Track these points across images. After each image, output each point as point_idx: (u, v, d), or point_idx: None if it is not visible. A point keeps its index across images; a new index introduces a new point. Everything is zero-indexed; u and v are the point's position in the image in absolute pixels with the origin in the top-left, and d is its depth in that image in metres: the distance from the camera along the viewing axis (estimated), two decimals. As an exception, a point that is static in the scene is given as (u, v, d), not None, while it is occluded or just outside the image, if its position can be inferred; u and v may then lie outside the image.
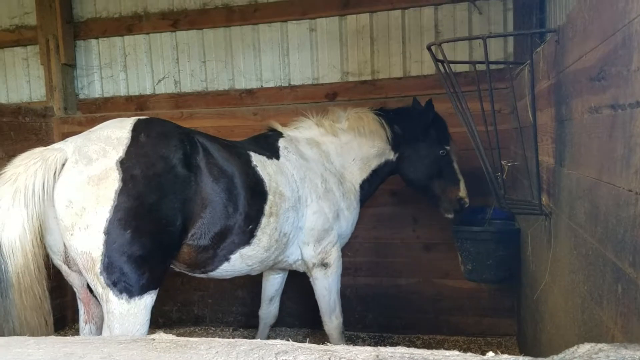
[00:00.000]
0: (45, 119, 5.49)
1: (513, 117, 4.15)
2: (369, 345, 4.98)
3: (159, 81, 5.89)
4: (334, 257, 3.87)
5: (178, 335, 4.54)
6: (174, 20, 5.68)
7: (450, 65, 2.65)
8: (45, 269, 2.81)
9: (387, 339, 5.05)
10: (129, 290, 2.77)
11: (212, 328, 5.45)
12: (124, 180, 2.72)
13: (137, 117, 3.09)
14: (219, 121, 5.30)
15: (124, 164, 2.76)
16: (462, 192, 4.14)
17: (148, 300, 2.86)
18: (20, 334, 2.65)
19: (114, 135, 2.88)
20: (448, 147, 4.10)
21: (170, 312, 5.51)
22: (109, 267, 2.71)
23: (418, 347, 4.88)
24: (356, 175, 4.06)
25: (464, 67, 4.81)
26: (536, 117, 2.60)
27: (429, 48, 2.54)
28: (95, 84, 6.04)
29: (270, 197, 3.38)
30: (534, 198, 2.83)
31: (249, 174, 3.32)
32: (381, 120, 4.10)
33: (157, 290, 2.93)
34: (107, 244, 2.69)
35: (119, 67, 5.97)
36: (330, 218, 3.78)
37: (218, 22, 5.58)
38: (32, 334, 2.69)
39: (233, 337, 5.03)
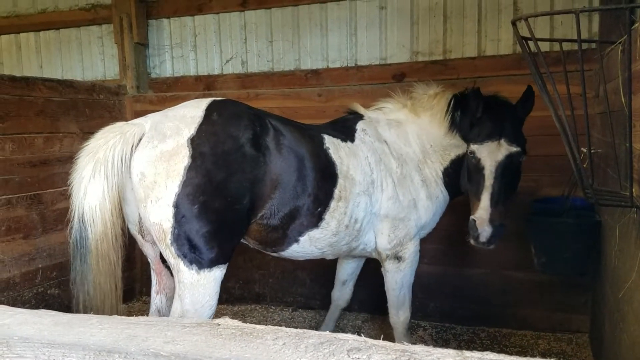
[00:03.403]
0: (118, 97, 5.65)
1: (597, 101, 3.84)
2: (429, 335, 4.86)
3: (227, 61, 5.92)
4: (411, 250, 3.66)
5: (239, 312, 4.57)
6: (243, 0, 5.66)
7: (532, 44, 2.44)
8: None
9: (449, 329, 4.90)
10: (199, 262, 2.86)
11: (272, 307, 5.48)
12: (193, 157, 2.81)
13: (213, 98, 3.17)
14: (284, 102, 5.27)
15: (195, 142, 2.84)
16: (480, 211, 3.25)
17: (217, 273, 2.95)
18: (93, 298, 2.87)
19: (189, 114, 2.97)
20: (476, 146, 3.36)
21: (232, 289, 5.60)
22: (178, 239, 2.82)
23: (483, 341, 4.70)
24: (436, 162, 3.71)
25: (544, 47, 4.50)
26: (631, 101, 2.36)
27: (513, 23, 2.35)
28: (166, 63, 6.15)
29: (340, 181, 3.31)
30: (622, 189, 2.59)
31: (320, 156, 3.27)
32: (450, 103, 3.60)
33: (226, 265, 3.01)
34: (176, 217, 2.79)
35: (189, 47, 6.04)
36: (406, 206, 3.55)
37: (286, 1, 5.51)
38: (103, 299, 2.90)
39: (292, 317, 5.01)
